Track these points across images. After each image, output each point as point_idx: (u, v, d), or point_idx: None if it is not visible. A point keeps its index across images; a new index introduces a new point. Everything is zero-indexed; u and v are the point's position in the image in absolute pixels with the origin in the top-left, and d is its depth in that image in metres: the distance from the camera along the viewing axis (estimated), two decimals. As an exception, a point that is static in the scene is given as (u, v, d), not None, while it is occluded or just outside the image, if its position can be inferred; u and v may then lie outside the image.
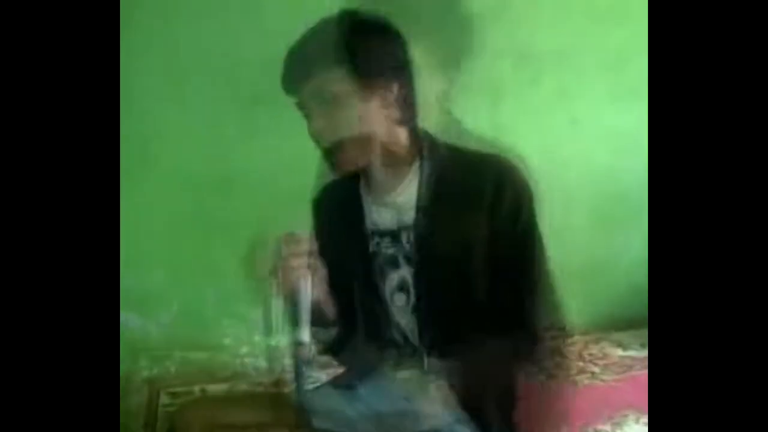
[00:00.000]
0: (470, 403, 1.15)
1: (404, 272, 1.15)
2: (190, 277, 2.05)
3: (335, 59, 1.04)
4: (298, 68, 1.07)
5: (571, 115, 2.23)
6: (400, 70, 1.10)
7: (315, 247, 1.05)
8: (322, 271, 1.07)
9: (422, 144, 1.14)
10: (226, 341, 2.10)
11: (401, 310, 1.17)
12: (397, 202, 1.15)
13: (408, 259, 1.15)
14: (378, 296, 1.18)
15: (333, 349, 1.24)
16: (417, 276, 1.14)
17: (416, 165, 1.14)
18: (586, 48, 2.19)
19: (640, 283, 2.26)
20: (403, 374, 1.23)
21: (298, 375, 1.01)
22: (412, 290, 1.15)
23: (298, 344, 1.01)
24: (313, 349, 1.02)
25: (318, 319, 1.09)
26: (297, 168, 1.97)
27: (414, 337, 1.18)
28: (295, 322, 1.02)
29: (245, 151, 2.00)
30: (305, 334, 1.01)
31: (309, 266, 1.03)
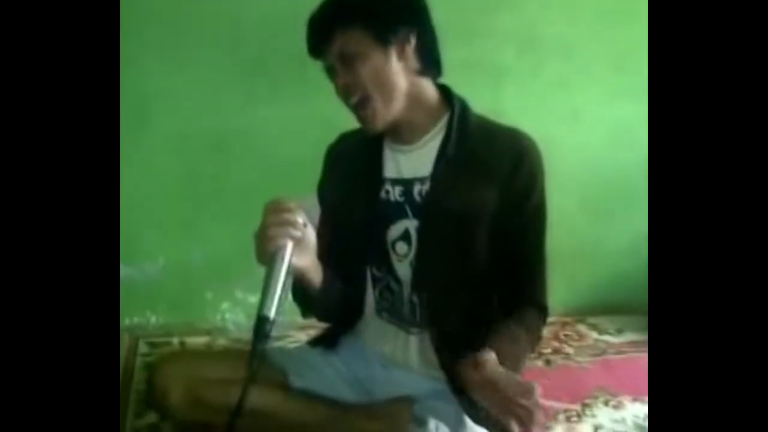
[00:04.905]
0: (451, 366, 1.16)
1: (409, 223, 1.18)
2: (177, 233, 2.05)
3: (350, 20, 1.09)
4: (320, 33, 1.11)
5: (571, 105, 2.23)
6: (416, 21, 1.14)
7: (302, 218, 1.00)
8: (311, 240, 1.04)
9: (454, 103, 1.18)
10: (208, 295, 2.12)
11: (401, 259, 1.19)
12: (418, 152, 1.18)
13: (415, 211, 1.17)
14: (380, 242, 1.20)
15: (318, 312, 1.26)
16: (422, 227, 1.16)
17: (443, 121, 1.18)
18: (589, 40, 2.19)
19: (622, 271, 2.34)
20: (390, 328, 1.24)
21: (254, 351, 0.93)
22: (414, 241, 1.17)
23: (261, 318, 0.93)
24: (276, 325, 0.94)
25: (300, 289, 1.11)
26: (293, 137, 1.99)
27: (408, 288, 1.20)
28: (265, 294, 0.95)
29: (243, 117, 2.00)
30: (271, 310, 0.93)
31: (292, 237, 0.99)
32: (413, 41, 1.12)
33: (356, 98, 1.12)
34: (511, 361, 1.04)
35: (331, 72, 1.14)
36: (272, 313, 0.93)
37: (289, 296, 1.12)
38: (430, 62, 1.16)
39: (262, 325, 0.93)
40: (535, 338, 1.19)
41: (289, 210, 0.99)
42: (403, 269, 1.19)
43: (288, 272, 0.97)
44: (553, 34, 2.16)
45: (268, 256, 0.98)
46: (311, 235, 1.03)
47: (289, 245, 0.98)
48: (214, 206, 2.03)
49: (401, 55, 1.12)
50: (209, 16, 1.92)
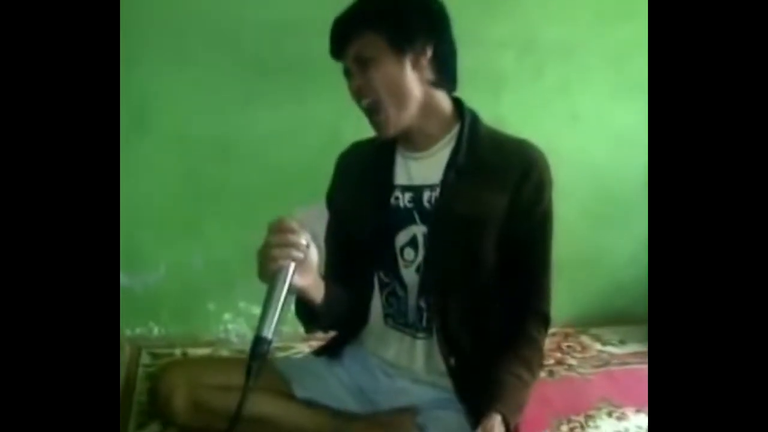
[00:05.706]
0: (458, 373, 1.17)
1: (417, 229, 1.19)
2: (178, 241, 2.04)
3: (368, 25, 1.12)
4: (339, 35, 1.14)
5: (572, 109, 2.23)
6: (435, 34, 1.15)
7: (305, 239, 1.01)
8: (313, 260, 1.05)
9: (465, 114, 1.20)
10: (210, 306, 2.11)
11: (408, 264, 1.20)
12: (429, 160, 1.19)
13: (424, 217, 1.18)
14: (389, 248, 1.21)
15: (321, 325, 1.26)
16: (430, 234, 1.17)
17: (454, 131, 1.19)
18: (589, 43, 2.18)
19: (624, 280, 2.33)
20: (396, 334, 1.25)
21: (250, 369, 0.94)
22: (421, 247, 1.18)
23: (259, 339, 0.95)
24: (272, 345, 0.96)
25: (303, 306, 1.12)
26: (294, 138, 1.99)
27: (415, 293, 1.21)
28: (264, 314, 0.96)
29: (243, 118, 1.99)
30: (269, 331, 0.95)
31: (294, 258, 1.00)
32: (429, 53, 1.14)
33: (368, 101, 1.14)
34: (517, 413, 1.08)
35: (347, 74, 1.17)
36: (270, 334, 0.95)
37: (292, 308, 1.13)
38: (445, 75, 1.18)
39: (259, 345, 0.95)
40: (539, 362, 1.21)
41: (292, 231, 1.00)
42: (410, 275, 1.20)
43: (289, 292, 0.99)
44: (553, 37, 2.15)
45: (269, 276, 0.99)
46: (314, 254, 1.04)
47: (291, 266, 0.99)
48: (214, 208, 2.02)
49: (416, 65, 1.14)
50: (209, 16, 1.91)
